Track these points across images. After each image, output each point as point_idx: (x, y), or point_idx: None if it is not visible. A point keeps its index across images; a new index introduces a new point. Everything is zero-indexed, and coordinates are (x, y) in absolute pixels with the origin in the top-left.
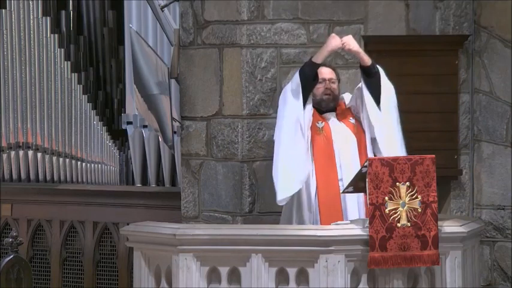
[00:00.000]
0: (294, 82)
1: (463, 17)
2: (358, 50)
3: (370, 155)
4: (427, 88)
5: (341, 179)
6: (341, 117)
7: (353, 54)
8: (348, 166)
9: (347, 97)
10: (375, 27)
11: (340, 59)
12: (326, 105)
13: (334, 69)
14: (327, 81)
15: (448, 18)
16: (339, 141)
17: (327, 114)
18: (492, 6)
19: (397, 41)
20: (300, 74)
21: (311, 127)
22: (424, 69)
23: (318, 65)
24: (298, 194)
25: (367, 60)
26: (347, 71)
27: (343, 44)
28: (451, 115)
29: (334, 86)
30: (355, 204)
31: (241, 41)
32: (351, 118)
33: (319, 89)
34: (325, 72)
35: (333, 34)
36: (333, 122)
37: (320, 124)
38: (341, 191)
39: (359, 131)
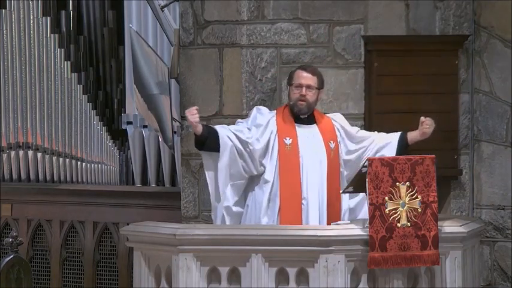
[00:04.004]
0: None
1: (463, 17)
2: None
3: (342, 180)
4: (427, 88)
5: (305, 198)
6: (322, 133)
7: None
8: (314, 185)
9: (338, 118)
10: (375, 27)
11: (340, 59)
12: (298, 111)
13: (318, 75)
14: (304, 88)
15: (448, 18)
16: (307, 160)
17: (303, 128)
18: (492, 6)
19: (397, 41)
20: (197, 147)
21: (279, 142)
22: (424, 69)
23: (201, 135)
24: (260, 204)
25: None
26: (347, 71)
27: (424, 128)
28: (451, 115)
29: (311, 93)
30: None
31: (241, 41)
32: (332, 142)
33: (294, 94)
34: (303, 77)
35: (188, 110)
36: (305, 139)
37: (288, 141)
38: (303, 210)
39: (335, 156)
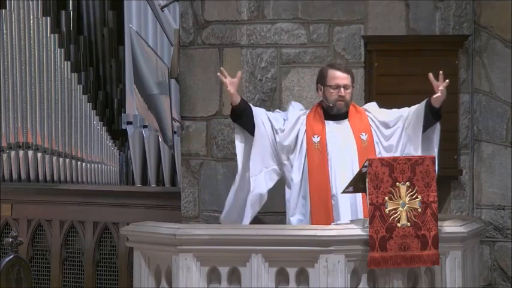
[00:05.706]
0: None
1: (463, 17)
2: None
3: None
4: (427, 88)
5: (334, 195)
6: (352, 127)
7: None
8: (343, 181)
9: (371, 108)
10: (375, 27)
11: (340, 59)
12: (337, 111)
13: (350, 73)
14: (342, 88)
15: (448, 18)
16: (336, 157)
17: (332, 124)
18: (492, 6)
19: (397, 41)
20: (233, 120)
21: (307, 141)
22: (424, 69)
23: (238, 106)
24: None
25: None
26: None
27: (439, 92)
28: (451, 115)
29: (348, 91)
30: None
31: (241, 41)
32: (363, 133)
33: (332, 94)
34: (340, 77)
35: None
36: (334, 136)
37: (316, 138)
38: (334, 207)
39: (369, 146)
